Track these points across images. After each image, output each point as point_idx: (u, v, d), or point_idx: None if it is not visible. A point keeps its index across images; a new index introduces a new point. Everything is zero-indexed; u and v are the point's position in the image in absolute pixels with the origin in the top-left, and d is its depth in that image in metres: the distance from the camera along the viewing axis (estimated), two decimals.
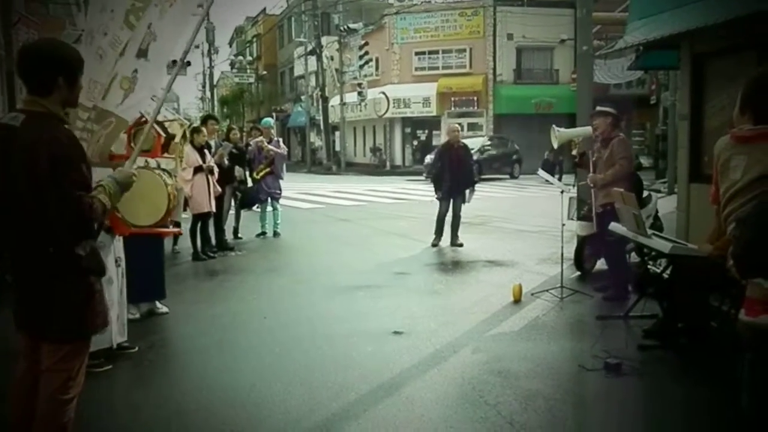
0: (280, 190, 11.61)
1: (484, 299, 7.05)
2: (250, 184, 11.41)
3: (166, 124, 5.51)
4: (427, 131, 34.89)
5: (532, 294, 7.13)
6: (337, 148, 37.08)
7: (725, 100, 7.44)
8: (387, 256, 9.77)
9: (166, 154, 5.41)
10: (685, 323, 5.36)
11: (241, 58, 51.49)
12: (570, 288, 7.14)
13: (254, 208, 11.76)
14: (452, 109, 32.84)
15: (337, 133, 37.34)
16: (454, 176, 10.41)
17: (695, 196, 8.12)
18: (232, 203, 11.01)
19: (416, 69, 34.36)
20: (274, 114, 40.97)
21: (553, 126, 7.97)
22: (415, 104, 33.80)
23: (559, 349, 5.42)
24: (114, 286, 5.00)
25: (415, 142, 35.63)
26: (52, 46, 3.01)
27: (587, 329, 5.97)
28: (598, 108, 7.27)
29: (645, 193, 7.94)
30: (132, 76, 3.72)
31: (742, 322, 2.80)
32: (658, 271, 6.00)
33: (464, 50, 33.32)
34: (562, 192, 7.74)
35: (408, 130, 35.64)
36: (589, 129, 7.46)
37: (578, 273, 8.03)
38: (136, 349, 5.40)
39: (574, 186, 10.15)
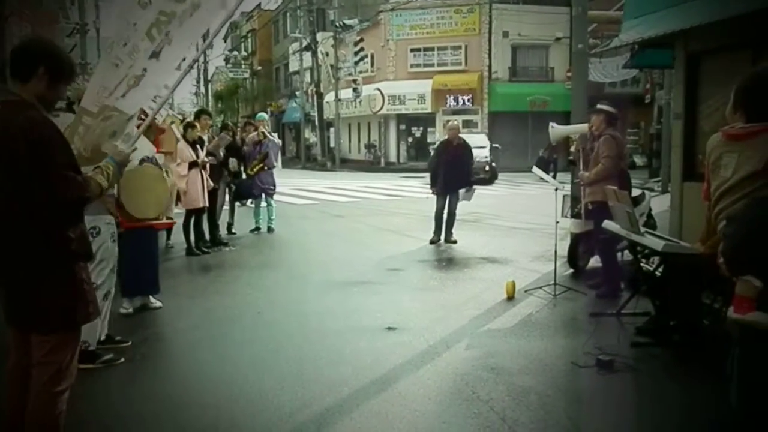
0: (275, 185, 11.60)
1: (477, 296, 7.06)
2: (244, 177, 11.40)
3: (158, 120, 5.54)
4: (422, 128, 34.88)
5: (526, 291, 7.14)
6: (332, 145, 37.06)
7: (719, 99, 7.46)
8: (381, 252, 9.78)
9: (161, 149, 5.46)
10: (678, 320, 5.38)
11: (235, 53, 51.24)
12: (563, 285, 7.17)
13: (248, 203, 11.74)
14: (447, 106, 32.84)
15: (332, 130, 37.31)
16: (448, 173, 10.39)
17: (689, 195, 8.16)
18: (226, 198, 11.00)
19: (411, 66, 34.35)
20: (268, 110, 40.88)
21: (551, 123, 8.00)
22: (410, 101, 33.79)
23: (552, 345, 5.44)
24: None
25: (410, 139, 35.63)
26: (46, 41, 3.09)
27: (580, 326, 5.98)
28: (598, 106, 7.31)
29: (636, 192, 7.97)
30: (141, 74, 3.73)
31: (731, 319, 2.82)
32: (651, 268, 6.03)
33: (460, 47, 33.33)
34: (556, 189, 7.76)
35: (403, 126, 35.63)
36: (584, 126, 7.50)
37: (571, 270, 8.06)
38: (129, 343, 5.38)
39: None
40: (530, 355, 5.17)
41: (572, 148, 8.55)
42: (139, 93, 3.79)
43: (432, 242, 10.40)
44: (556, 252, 7.42)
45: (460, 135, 10.94)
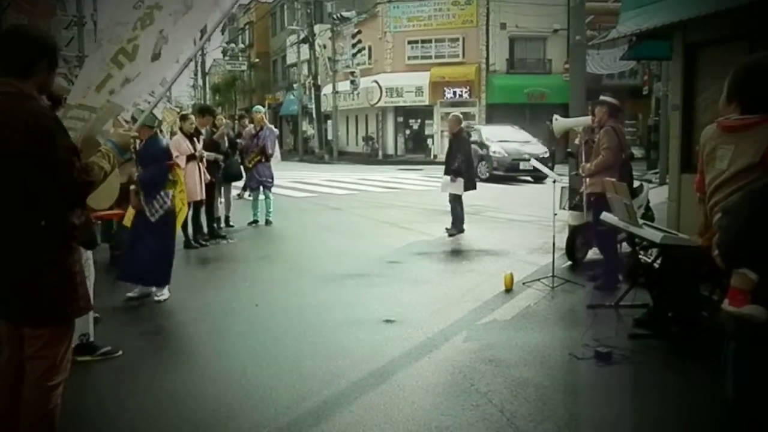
0: (272, 178, 11.57)
1: (475, 288, 7.07)
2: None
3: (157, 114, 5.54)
4: (419, 120, 34.82)
5: (524, 283, 7.15)
6: (330, 137, 36.96)
7: (717, 91, 7.42)
8: (379, 244, 9.77)
9: None
10: (676, 312, 5.40)
11: (233, 45, 51.03)
12: (561, 277, 7.17)
13: (246, 195, 11.69)
14: (445, 98, 32.79)
15: (330, 122, 37.20)
16: (445, 165, 10.50)
17: (686, 187, 8.15)
18: (223, 191, 10.97)
19: (409, 58, 34.22)
20: (266, 103, 40.77)
21: (554, 115, 7.97)
22: (408, 93, 33.67)
23: (550, 337, 5.45)
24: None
25: (408, 132, 35.56)
26: (39, 31, 3.06)
27: (578, 318, 5.99)
28: (601, 97, 7.31)
29: (636, 183, 7.97)
30: (137, 74, 3.71)
31: (726, 312, 2.80)
32: (649, 260, 6.03)
33: (457, 39, 33.20)
34: (554, 182, 7.76)
35: (400, 119, 35.54)
36: (588, 119, 7.52)
37: (569, 262, 8.06)
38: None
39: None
40: (528, 347, 5.18)
41: (576, 141, 8.54)
42: (134, 88, 3.76)
43: (450, 235, 10.36)
44: (554, 244, 7.42)
45: (462, 126, 10.88)
